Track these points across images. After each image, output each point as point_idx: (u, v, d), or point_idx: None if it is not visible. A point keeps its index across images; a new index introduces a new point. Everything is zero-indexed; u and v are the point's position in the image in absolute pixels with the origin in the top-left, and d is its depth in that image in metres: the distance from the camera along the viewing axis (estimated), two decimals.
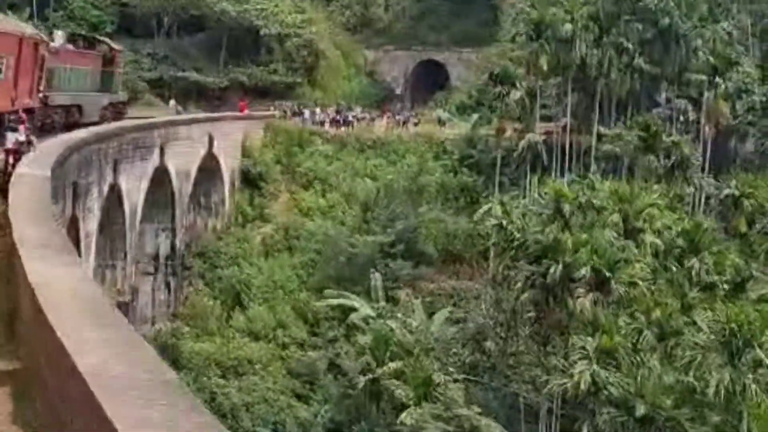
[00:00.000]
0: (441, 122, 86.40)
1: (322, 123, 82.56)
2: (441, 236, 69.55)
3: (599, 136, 69.69)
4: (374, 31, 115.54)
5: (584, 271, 46.74)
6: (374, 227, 65.90)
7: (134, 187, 50.09)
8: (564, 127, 72.55)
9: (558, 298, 48.69)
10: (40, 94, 36.93)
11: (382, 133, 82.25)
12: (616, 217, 50.98)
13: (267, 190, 74.23)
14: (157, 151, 54.50)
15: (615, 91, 70.31)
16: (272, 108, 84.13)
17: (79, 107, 45.50)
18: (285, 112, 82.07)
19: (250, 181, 73.65)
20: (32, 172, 22.22)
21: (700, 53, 69.12)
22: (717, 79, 67.27)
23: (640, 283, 47.24)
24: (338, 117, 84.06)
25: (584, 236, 49.06)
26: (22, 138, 25.81)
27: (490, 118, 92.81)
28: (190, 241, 65.17)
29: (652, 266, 49.85)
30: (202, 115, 67.32)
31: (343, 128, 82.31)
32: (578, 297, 46.80)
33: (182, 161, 60.31)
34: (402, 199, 68.20)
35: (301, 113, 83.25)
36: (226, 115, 72.79)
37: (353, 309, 58.05)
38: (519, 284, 52.37)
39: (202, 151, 64.67)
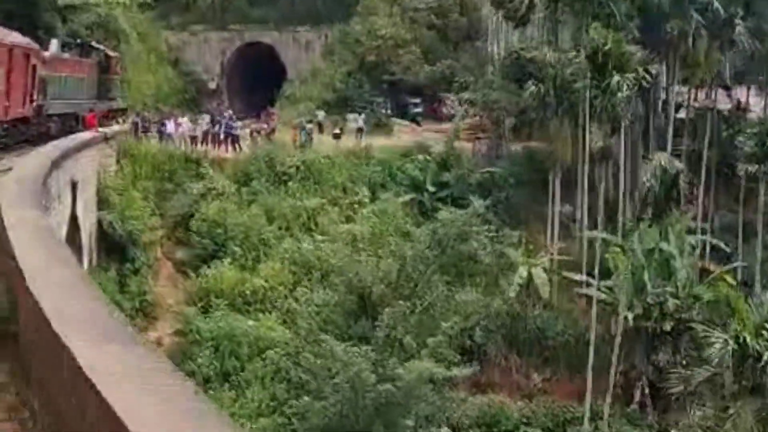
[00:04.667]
0: (359, 131, 57.81)
1: (193, 140, 51.42)
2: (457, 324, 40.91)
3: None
4: (175, 6, 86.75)
5: None
6: (406, 338, 35.84)
7: None
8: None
9: None
10: (34, 104, 35.12)
11: (294, 153, 51.84)
12: None
13: (144, 262, 42.90)
14: None
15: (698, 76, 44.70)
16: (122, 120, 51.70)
17: (76, 116, 42.91)
18: (136, 125, 49.40)
19: (114, 247, 41.96)
20: None
21: None
22: None
23: None
24: (217, 129, 52.75)
25: None
26: None
27: (381, 120, 67.87)
28: None
29: None
30: (66, 141, 34.84)
31: (229, 147, 51.71)
32: None
33: None
34: (434, 282, 38.62)
35: (161, 126, 51.03)
36: (93, 137, 40.02)
37: None
38: None
39: (67, 213, 33.33)
